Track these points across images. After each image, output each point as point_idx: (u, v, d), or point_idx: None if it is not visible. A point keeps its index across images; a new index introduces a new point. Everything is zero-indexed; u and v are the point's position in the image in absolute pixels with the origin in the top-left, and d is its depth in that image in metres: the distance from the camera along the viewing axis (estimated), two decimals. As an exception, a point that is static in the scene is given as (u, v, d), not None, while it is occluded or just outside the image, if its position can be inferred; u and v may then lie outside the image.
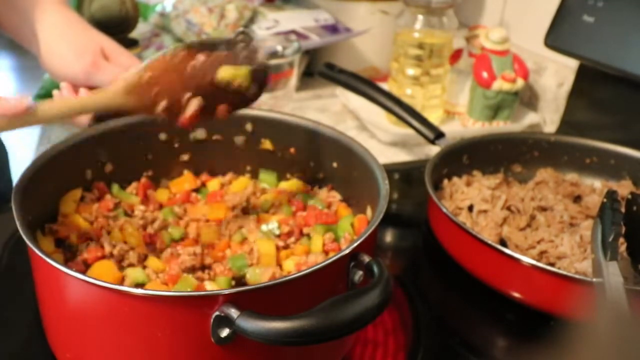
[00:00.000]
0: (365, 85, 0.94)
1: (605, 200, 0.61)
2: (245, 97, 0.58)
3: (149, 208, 0.65)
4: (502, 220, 0.72)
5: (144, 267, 0.57)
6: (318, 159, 0.70)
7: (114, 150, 0.66)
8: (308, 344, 0.41)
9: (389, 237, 0.80)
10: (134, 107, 0.55)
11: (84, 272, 0.52)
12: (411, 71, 1.04)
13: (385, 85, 1.08)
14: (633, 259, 0.64)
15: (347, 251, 0.47)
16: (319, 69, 1.01)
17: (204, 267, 0.59)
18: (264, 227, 0.63)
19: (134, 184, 0.69)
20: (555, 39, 0.93)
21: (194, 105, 0.55)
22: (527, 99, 1.16)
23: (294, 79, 1.01)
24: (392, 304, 0.64)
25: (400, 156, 1.00)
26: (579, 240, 0.67)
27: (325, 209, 0.66)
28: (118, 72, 0.63)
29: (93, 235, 0.59)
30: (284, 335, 0.39)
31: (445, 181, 0.80)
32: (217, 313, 0.42)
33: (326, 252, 0.60)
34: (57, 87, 0.66)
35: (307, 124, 0.68)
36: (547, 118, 1.11)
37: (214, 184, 0.71)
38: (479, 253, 0.64)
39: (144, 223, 0.63)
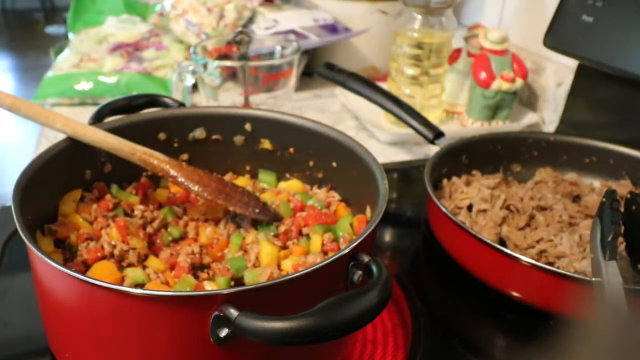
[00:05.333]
0: (364, 85, 0.94)
1: (604, 199, 0.61)
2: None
3: (149, 208, 0.65)
4: (502, 219, 0.72)
5: (144, 267, 0.57)
6: (317, 159, 0.70)
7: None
8: (307, 344, 0.41)
9: (388, 236, 0.80)
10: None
11: (83, 273, 0.52)
12: (410, 71, 1.04)
13: (384, 85, 1.08)
14: (632, 259, 0.64)
15: (346, 251, 0.47)
16: (318, 68, 1.01)
17: (203, 267, 0.59)
18: (261, 227, 0.63)
19: (133, 184, 0.69)
20: (554, 38, 0.93)
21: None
22: (526, 98, 1.16)
23: (293, 79, 1.01)
24: (391, 303, 0.64)
25: (400, 156, 1.00)
26: (578, 240, 0.67)
27: (324, 208, 0.66)
28: None
29: (93, 235, 0.59)
30: (283, 335, 0.39)
31: (445, 181, 0.80)
32: (216, 313, 0.42)
33: (325, 252, 0.60)
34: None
35: (307, 123, 0.68)
36: (546, 118, 1.11)
37: (213, 183, 0.71)
38: (478, 252, 0.64)
39: (144, 223, 0.63)
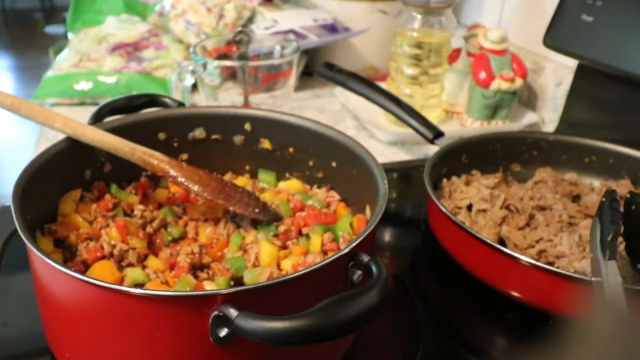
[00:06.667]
0: (364, 84, 0.94)
1: (604, 199, 0.61)
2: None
3: (148, 207, 0.65)
4: (501, 219, 0.72)
5: (144, 267, 0.57)
6: (317, 159, 0.70)
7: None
8: (307, 344, 0.41)
9: (388, 236, 0.80)
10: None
11: (83, 272, 0.52)
12: (410, 71, 1.04)
13: (384, 85, 1.08)
14: (632, 258, 0.64)
15: (346, 251, 0.47)
16: (318, 68, 1.01)
17: (202, 267, 0.59)
18: (261, 227, 0.63)
19: (133, 184, 0.69)
20: (554, 38, 0.93)
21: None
22: (526, 98, 1.16)
23: (292, 79, 1.01)
24: (391, 303, 0.64)
25: (399, 155, 1.00)
26: (578, 240, 0.67)
27: (324, 208, 0.66)
28: None
29: (92, 235, 0.59)
30: (282, 335, 0.39)
31: (444, 180, 0.80)
32: (215, 313, 0.42)
33: (325, 252, 0.60)
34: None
35: (306, 123, 0.68)
36: (545, 117, 1.11)
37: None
38: (478, 252, 0.64)
39: (143, 222, 0.63)
